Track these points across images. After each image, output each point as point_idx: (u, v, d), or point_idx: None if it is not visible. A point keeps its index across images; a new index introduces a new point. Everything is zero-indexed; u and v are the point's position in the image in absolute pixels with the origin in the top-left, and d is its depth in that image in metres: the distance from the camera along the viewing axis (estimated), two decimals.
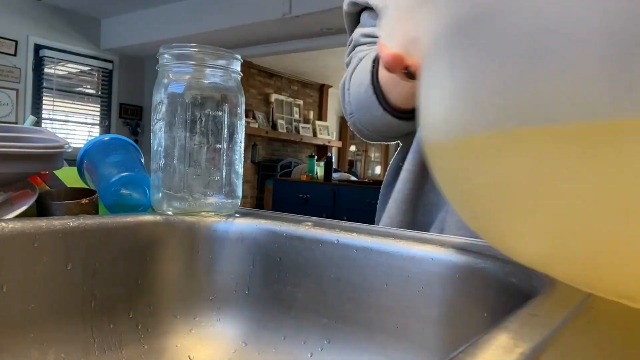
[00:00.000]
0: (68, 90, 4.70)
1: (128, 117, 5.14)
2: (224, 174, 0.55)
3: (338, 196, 3.68)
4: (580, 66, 0.16)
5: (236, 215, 0.55)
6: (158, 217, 0.51)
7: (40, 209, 0.56)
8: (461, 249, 0.39)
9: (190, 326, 0.49)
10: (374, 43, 0.66)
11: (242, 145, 0.57)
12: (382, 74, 0.58)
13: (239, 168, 0.57)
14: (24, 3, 4.34)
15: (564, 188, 0.18)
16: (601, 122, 0.16)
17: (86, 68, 4.85)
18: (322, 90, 7.05)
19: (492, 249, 0.38)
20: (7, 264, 0.39)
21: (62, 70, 4.65)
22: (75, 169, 0.69)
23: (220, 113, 0.54)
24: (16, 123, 3.21)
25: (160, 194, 0.54)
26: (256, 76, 6.00)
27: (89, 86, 4.91)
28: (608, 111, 0.16)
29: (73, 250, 0.44)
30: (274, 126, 6.11)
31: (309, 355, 0.45)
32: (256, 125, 5.75)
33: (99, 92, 4.96)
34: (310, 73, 6.42)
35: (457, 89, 0.22)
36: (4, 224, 0.40)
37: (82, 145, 0.67)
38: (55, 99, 4.60)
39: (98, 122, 4.95)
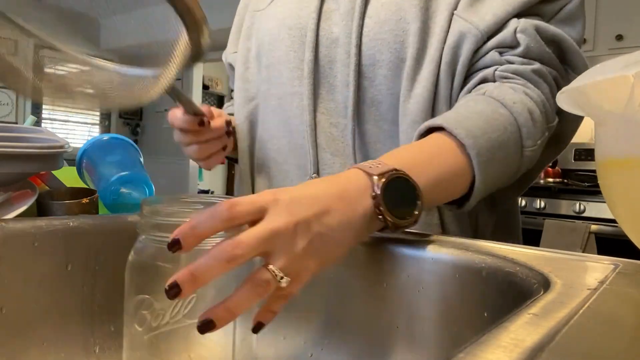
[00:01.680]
0: None
1: (128, 117, 5.14)
2: None
3: None
4: None
5: None
6: None
7: (40, 209, 0.56)
8: (461, 249, 0.39)
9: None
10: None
11: None
12: None
13: None
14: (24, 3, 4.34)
15: None
16: None
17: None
18: None
19: (492, 249, 0.38)
20: (7, 264, 0.39)
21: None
22: (75, 168, 0.69)
23: None
24: (16, 123, 3.21)
25: None
26: None
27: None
28: None
29: (73, 250, 0.43)
30: None
31: (309, 355, 0.45)
32: None
33: None
34: None
35: None
36: (4, 224, 0.40)
37: (82, 145, 0.67)
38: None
39: (98, 122, 4.95)
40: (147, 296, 0.33)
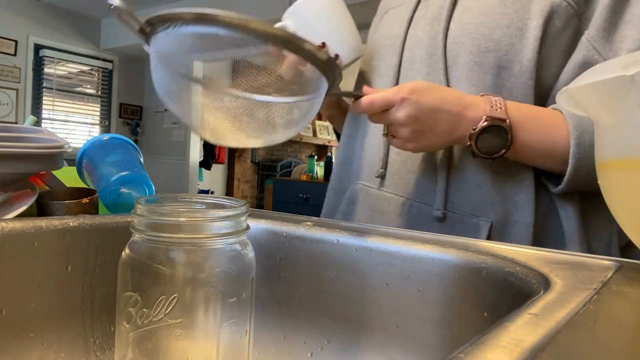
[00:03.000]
0: (68, 90, 4.70)
1: (128, 117, 5.14)
2: None
3: None
4: None
5: None
6: None
7: (40, 209, 0.56)
8: (461, 249, 0.39)
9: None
10: None
11: None
12: None
13: None
14: (24, 3, 4.34)
15: None
16: None
17: (86, 68, 4.86)
18: None
19: (492, 249, 0.38)
20: (7, 264, 0.39)
21: (62, 70, 4.65)
22: (75, 168, 0.69)
23: None
24: (16, 123, 3.21)
25: None
26: None
27: (88, 86, 4.91)
28: None
29: (73, 250, 0.43)
30: None
31: (309, 355, 0.45)
32: None
33: (99, 92, 4.96)
34: None
35: None
36: (4, 224, 0.40)
37: (82, 145, 0.67)
38: (55, 99, 4.59)
39: (98, 122, 4.95)
40: (134, 294, 0.33)
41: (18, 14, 4.31)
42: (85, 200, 0.57)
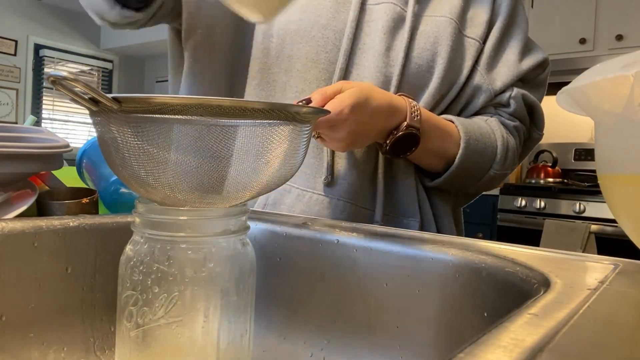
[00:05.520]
0: None
1: None
2: None
3: None
4: None
5: None
6: None
7: (40, 209, 0.56)
8: (461, 249, 0.39)
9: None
10: None
11: None
12: None
13: None
14: (24, 3, 4.34)
15: None
16: None
17: (86, 68, 4.86)
18: None
19: (492, 249, 0.38)
20: (7, 264, 0.39)
21: (62, 70, 4.65)
22: (75, 168, 0.69)
23: None
24: (16, 123, 3.21)
25: None
26: None
27: None
28: None
29: (73, 251, 0.43)
30: None
31: (309, 355, 0.45)
32: None
33: None
34: None
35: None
36: (4, 224, 0.40)
37: (82, 145, 0.67)
38: (55, 99, 4.60)
39: None
40: (135, 292, 0.33)
41: (18, 14, 4.31)
42: (85, 200, 0.57)
